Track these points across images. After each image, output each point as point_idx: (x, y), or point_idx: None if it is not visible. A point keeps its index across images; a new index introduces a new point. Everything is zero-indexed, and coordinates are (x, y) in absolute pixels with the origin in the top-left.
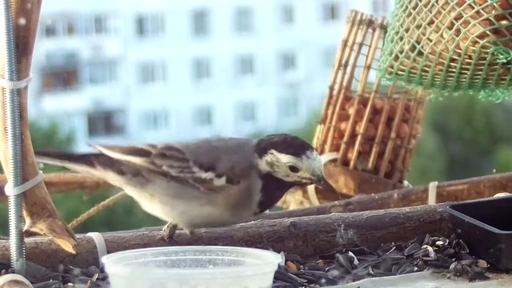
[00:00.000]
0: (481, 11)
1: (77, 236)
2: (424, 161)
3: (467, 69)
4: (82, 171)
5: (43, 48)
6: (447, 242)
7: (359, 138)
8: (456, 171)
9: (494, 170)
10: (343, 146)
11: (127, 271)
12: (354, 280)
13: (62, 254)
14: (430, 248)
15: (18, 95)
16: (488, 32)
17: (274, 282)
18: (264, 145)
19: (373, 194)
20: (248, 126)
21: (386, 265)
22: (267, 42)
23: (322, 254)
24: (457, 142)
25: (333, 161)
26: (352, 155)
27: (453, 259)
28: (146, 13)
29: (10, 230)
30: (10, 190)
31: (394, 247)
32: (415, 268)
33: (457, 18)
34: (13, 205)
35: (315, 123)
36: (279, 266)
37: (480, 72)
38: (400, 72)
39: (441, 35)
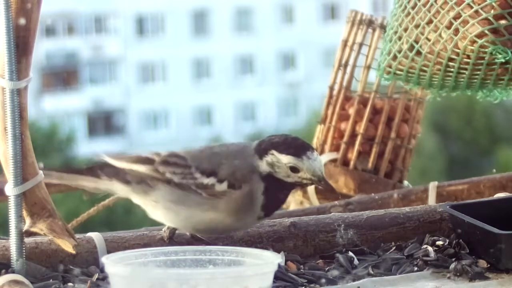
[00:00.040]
0: (480, 10)
1: (77, 236)
2: (424, 161)
3: (465, 69)
4: (89, 184)
5: (43, 48)
6: (447, 242)
7: (359, 138)
8: (456, 171)
9: (494, 170)
10: (343, 146)
11: (127, 271)
12: (354, 280)
13: (62, 254)
14: (430, 248)
15: (18, 95)
16: (486, 31)
17: (274, 282)
18: (265, 146)
19: (373, 194)
20: (248, 126)
21: (386, 265)
22: (267, 42)
23: (322, 254)
24: (457, 142)
25: (333, 161)
26: (352, 155)
27: (453, 259)
28: (146, 13)
29: (10, 230)
30: (10, 190)
31: (394, 247)
32: (415, 268)
33: (456, 17)
34: (13, 205)
35: (315, 123)
36: (279, 266)
37: (478, 72)
38: (398, 72)
39: (440, 35)
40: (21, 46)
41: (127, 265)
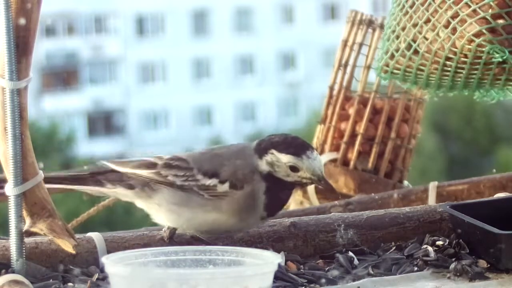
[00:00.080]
0: (477, 9)
1: (77, 236)
2: (424, 161)
3: (463, 68)
4: (92, 192)
5: (43, 48)
6: (447, 242)
7: (359, 138)
8: (456, 171)
9: (494, 170)
10: (343, 146)
11: (127, 271)
12: (354, 280)
13: (62, 254)
14: (430, 248)
15: (18, 95)
16: (484, 30)
17: (274, 282)
18: (265, 145)
19: (373, 194)
20: (248, 126)
21: (386, 265)
22: (267, 42)
23: (322, 254)
24: (457, 142)
25: (333, 161)
26: (352, 155)
27: (453, 259)
28: (146, 13)
29: (10, 230)
30: (10, 190)
31: (394, 247)
32: (415, 268)
33: (454, 16)
34: (13, 205)
35: (315, 123)
36: (279, 266)
37: (475, 72)
38: (395, 71)
39: (437, 34)
40: (21, 46)
41: (127, 265)
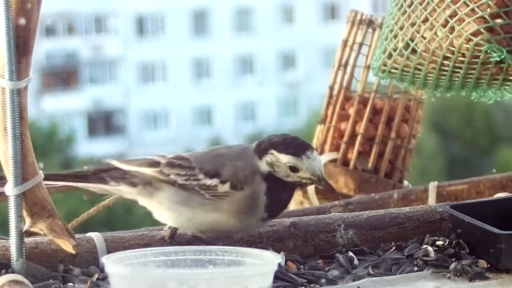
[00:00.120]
0: (476, 9)
1: (77, 236)
2: (424, 161)
3: (460, 68)
4: (95, 189)
5: (43, 48)
6: (447, 242)
7: (359, 138)
8: (456, 171)
9: (494, 170)
10: (343, 146)
11: (127, 271)
12: (354, 280)
13: (62, 254)
14: (430, 248)
15: (18, 95)
16: (482, 30)
17: (274, 282)
18: (264, 146)
19: (373, 194)
20: (248, 126)
21: (386, 265)
22: (267, 42)
23: (322, 254)
24: (457, 142)
25: (333, 161)
26: (352, 155)
27: (453, 259)
28: (146, 13)
29: (10, 230)
30: (10, 190)
31: (394, 247)
32: (415, 268)
33: (452, 15)
34: (13, 205)
35: (315, 123)
36: (279, 266)
37: (473, 71)
38: (393, 70)
39: (435, 33)
40: (21, 46)
41: (127, 265)
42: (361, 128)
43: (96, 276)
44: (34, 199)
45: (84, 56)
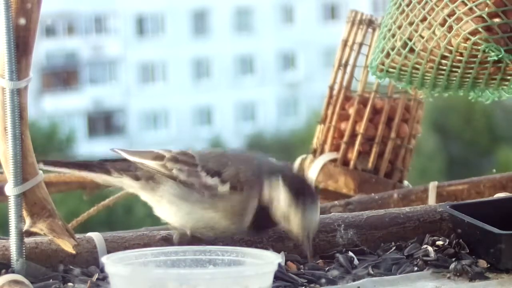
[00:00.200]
0: (474, 8)
1: (77, 236)
2: (424, 161)
3: (458, 67)
4: (98, 179)
5: (43, 48)
6: (447, 242)
7: (359, 138)
8: (456, 171)
9: (494, 170)
10: (343, 146)
11: (127, 271)
12: (354, 280)
13: (62, 254)
14: (430, 248)
15: (18, 95)
16: (480, 29)
17: (274, 282)
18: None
19: (373, 194)
20: (248, 126)
21: (386, 265)
22: (267, 42)
23: (322, 254)
24: (457, 142)
25: (333, 161)
26: (352, 155)
27: (453, 259)
28: (146, 13)
29: (10, 230)
30: (10, 190)
31: (394, 247)
32: (415, 268)
33: (450, 14)
34: (13, 205)
35: (315, 123)
36: (279, 266)
37: (470, 71)
38: (391, 70)
39: (433, 32)
40: (21, 46)
41: (127, 265)
42: (361, 128)
43: (96, 276)
44: (34, 199)
45: (84, 56)
